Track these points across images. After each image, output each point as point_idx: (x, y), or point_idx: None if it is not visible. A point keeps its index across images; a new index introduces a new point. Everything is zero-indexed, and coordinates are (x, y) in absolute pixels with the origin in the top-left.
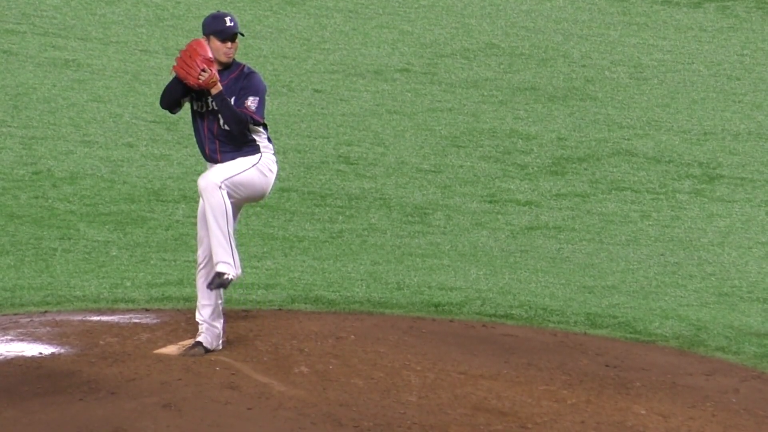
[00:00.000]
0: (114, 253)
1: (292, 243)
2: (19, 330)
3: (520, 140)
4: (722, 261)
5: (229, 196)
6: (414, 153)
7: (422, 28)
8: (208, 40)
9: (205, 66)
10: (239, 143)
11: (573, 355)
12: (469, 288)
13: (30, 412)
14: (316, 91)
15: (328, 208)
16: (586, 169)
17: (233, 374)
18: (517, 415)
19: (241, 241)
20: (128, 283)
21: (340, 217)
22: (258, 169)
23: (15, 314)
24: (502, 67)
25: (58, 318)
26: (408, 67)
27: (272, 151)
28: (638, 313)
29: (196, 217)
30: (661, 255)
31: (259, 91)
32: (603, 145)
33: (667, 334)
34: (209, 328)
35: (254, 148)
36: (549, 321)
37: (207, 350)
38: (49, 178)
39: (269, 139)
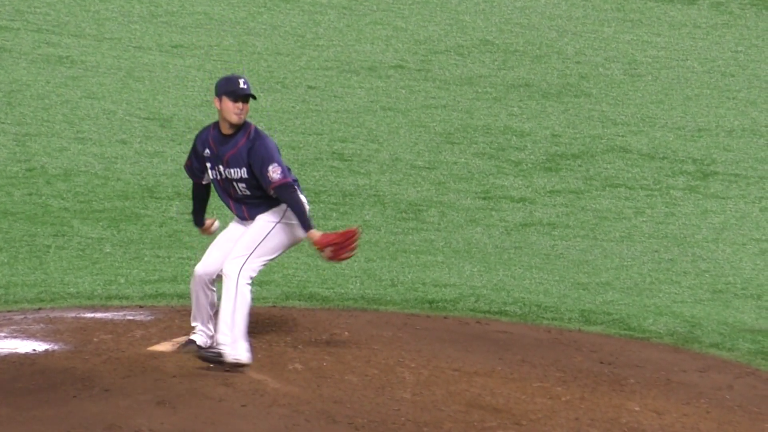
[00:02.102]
0: (108, 250)
1: None
2: (12, 327)
3: (514, 137)
4: (716, 258)
5: (264, 262)
6: (408, 150)
7: (416, 25)
8: (220, 100)
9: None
10: (263, 199)
11: (567, 351)
12: (463, 285)
13: (24, 409)
14: (310, 87)
15: (322, 205)
16: (580, 166)
17: (227, 371)
18: (511, 411)
19: None
20: (122, 280)
21: (334, 214)
22: (283, 224)
23: (8, 311)
24: (496, 63)
25: (51, 315)
26: (402, 63)
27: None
28: (632, 309)
29: (189, 213)
30: (655, 252)
31: (274, 157)
32: (597, 142)
33: (662, 331)
34: (202, 329)
35: (276, 201)
36: (543, 318)
37: (200, 348)
38: (42, 174)
39: (295, 182)
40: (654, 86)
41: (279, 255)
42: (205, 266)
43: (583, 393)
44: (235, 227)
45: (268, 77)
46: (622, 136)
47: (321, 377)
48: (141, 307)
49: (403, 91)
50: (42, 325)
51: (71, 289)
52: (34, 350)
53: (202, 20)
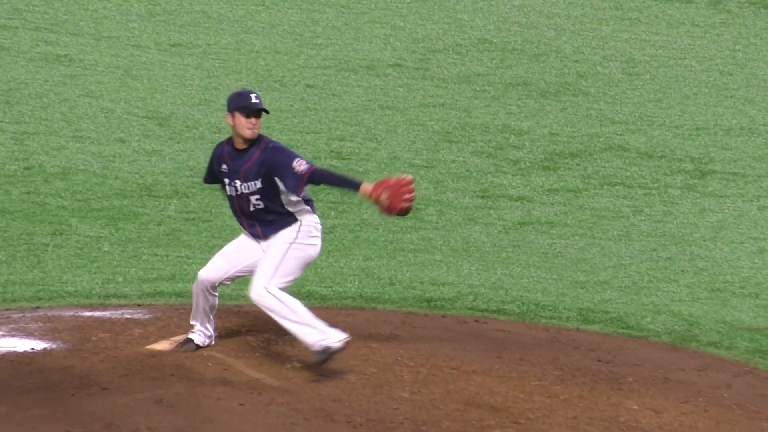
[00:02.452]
0: (106, 249)
1: None
2: (11, 325)
3: (512, 135)
4: (714, 256)
5: (287, 283)
6: (406, 148)
7: (414, 24)
8: (233, 116)
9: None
10: (277, 216)
11: (565, 350)
12: (461, 283)
13: (22, 407)
14: (309, 86)
15: (320, 204)
16: (578, 165)
17: (226, 369)
18: (509, 410)
19: (234, 236)
20: (120, 279)
21: (333, 213)
22: (298, 243)
23: (7, 310)
24: (494, 62)
25: (50, 313)
26: (400, 62)
27: (311, 213)
28: (630, 308)
29: (188, 212)
30: (653, 250)
31: (293, 154)
32: (595, 141)
33: (660, 330)
34: (201, 329)
35: (292, 217)
36: (541, 316)
37: (198, 347)
38: (40, 173)
39: (308, 202)
40: (652, 85)
41: (297, 277)
42: (208, 272)
43: (582, 391)
44: (245, 239)
45: (267, 76)
46: (620, 134)
47: (319, 376)
48: (139, 305)
49: (402, 90)
50: (40, 323)
51: (69, 288)
52: (33, 349)
53: (201, 19)
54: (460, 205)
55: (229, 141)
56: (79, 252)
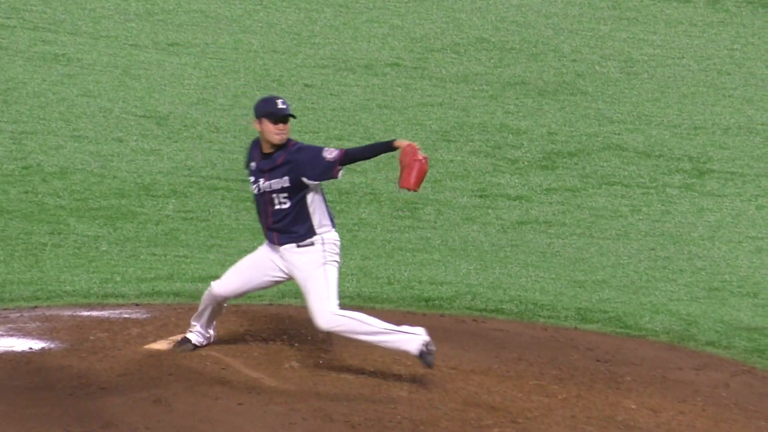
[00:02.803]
0: (104, 248)
1: None
2: (9, 325)
3: (510, 135)
4: (712, 255)
5: (337, 300)
6: None
7: (412, 23)
8: (260, 122)
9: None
10: (297, 225)
11: (563, 349)
12: (459, 283)
13: (20, 407)
14: (307, 85)
15: None
16: (576, 164)
17: (224, 369)
18: (507, 409)
19: (232, 235)
20: (118, 278)
21: None
22: (329, 261)
23: (5, 309)
24: (492, 61)
25: (48, 313)
26: (398, 61)
27: (331, 230)
28: (628, 307)
29: (186, 211)
30: (652, 249)
31: (320, 147)
32: (593, 140)
33: (658, 329)
34: (200, 331)
35: (311, 233)
36: (539, 316)
37: (195, 347)
38: (38, 172)
39: (331, 219)
40: (650, 84)
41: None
42: (222, 287)
43: (580, 391)
44: (262, 255)
45: (264, 75)
46: (618, 134)
47: (317, 375)
48: (137, 305)
49: (400, 89)
50: (38, 323)
51: (67, 287)
52: (31, 348)
53: (198, 18)
54: (458, 204)
55: (257, 143)
56: (77, 251)
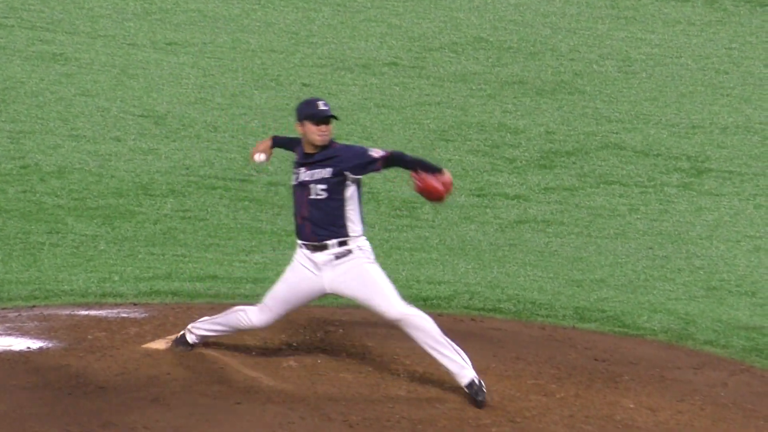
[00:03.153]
0: (102, 248)
1: (281, 237)
2: (7, 324)
3: (508, 134)
4: (710, 254)
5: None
6: (402, 147)
7: (410, 22)
8: (302, 125)
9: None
10: (331, 219)
11: (561, 348)
12: (457, 282)
13: (18, 406)
14: (305, 85)
15: None
16: (574, 163)
17: (222, 368)
18: (505, 409)
19: (230, 235)
20: (116, 278)
21: None
22: (371, 265)
23: (3, 308)
24: (490, 60)
25: (46, 312)
26: (396, 60)
27: (360, 234)
28: (627, 306)
29: (184, 211)
30: (650, 248)
31: (364, 146)
32: (591, 139)
33: (656, 328)
34: (202, 334)
35: (342, 234)
36: (537, 315)
37: (192, 347)
38: (36, 172)
39: (361, 218)
40: (648, 83)
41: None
42: (264, 321)
43: (578, 390)
44: (303, 278)
45: (262, 74)
46: (616, 133)
47: (315, 375)
48: (135, 304)
49: (397, 89)
50: (36, 322)
51: (65, 287)
52: (29, 348)
53: (196, 17)
54: (456, 203)
55: (300, 142)
56: (75, 251)
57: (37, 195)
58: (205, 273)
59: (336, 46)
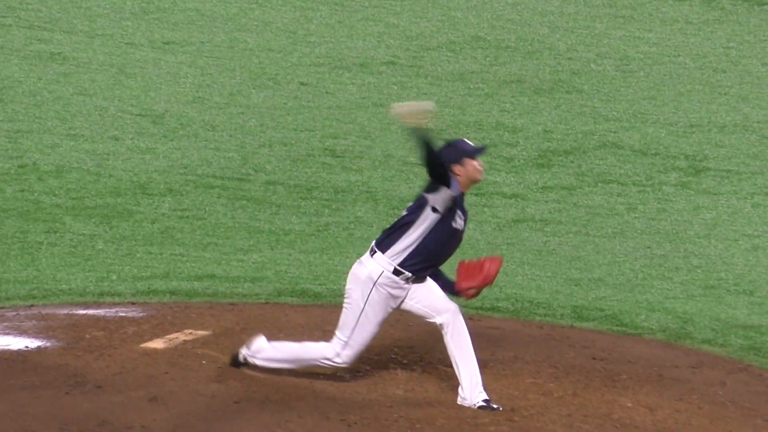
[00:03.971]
0: (100, 247)
1: (279, 236)
2: (5, 324)
3: (506, 133)
4: (708, 253)
5: None
6: (400, 146)
7: (408, 21)
8: (462, 164)
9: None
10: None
11: (559, 347)
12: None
13: (16, 405)
14: (302, 84)
15: (314, 201)
16: (572, 162)
17: (220, 368)
18: (503, 407)
19: (228, 234)
20: (114, 277)
21: (326, 210)
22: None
23: (1, 308)
24: (488, 59)
25: (44, 311)
26: (394, 59)
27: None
28: (625, 305)
29: (181, 210)
30: (648, 248)
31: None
32: (589, 138)
33: (654, 327)
34: (261, 363)
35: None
36: (535, 314)
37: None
38: (34, 171)
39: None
40: (646, 82)
41: None
42: (350, 361)
43: (576, 389)
44: (386, 309)
45: (260, 74)
46: (614, 132)
47: (313, 373)
48: (133, 303)
49: (395, 87)
50: (34, 321)
51: (63, 286)
52: (27, 347)
53: (194, 17)
54: None
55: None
56: (73, 250)
57: (35, 194)
58: (203, 272)
59: (334, 45)
